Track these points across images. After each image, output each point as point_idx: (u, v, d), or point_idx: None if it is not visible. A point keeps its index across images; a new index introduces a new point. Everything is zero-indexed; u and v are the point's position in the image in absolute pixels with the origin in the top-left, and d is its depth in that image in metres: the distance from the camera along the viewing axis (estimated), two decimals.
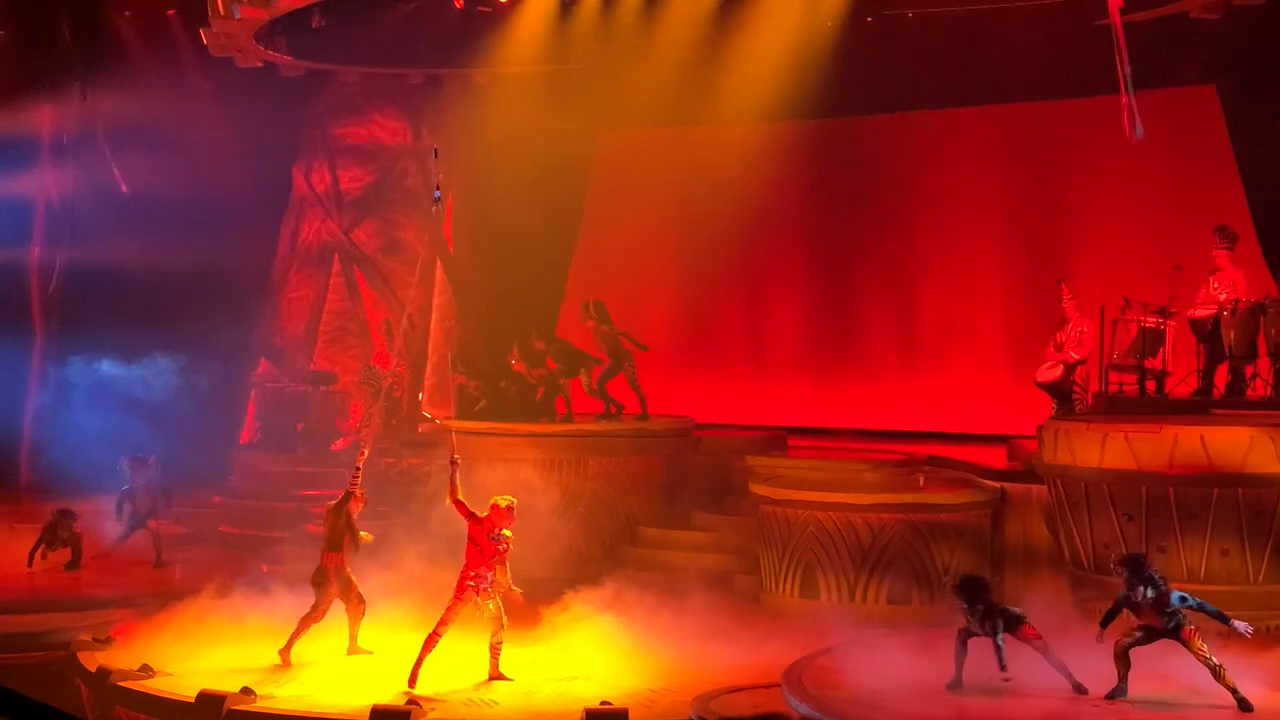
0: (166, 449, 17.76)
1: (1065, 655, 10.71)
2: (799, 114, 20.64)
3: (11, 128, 21.70)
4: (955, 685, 10.76)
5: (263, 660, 12.19)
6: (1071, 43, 18.28)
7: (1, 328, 21.05)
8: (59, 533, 16.65)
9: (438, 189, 14.87)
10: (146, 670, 11.75)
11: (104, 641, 12.76)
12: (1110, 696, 10.39)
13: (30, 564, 16.48)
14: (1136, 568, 10.56)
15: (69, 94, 21.65)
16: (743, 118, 20.78)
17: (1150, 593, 10.34)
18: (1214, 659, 10.18)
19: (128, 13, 21.54)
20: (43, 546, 16.59)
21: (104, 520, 17.10)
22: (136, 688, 11.49)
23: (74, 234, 22.20)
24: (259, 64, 20.53)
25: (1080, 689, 10.53)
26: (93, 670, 11.95)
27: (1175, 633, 10.29)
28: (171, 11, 20.91)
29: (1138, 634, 10.45)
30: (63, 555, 16.67)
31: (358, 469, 12.74)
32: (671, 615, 12.96)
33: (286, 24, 18.81)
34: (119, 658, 12.16)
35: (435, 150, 16.14)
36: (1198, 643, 10.20)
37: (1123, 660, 10.46)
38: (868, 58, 19.49)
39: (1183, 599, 10.40)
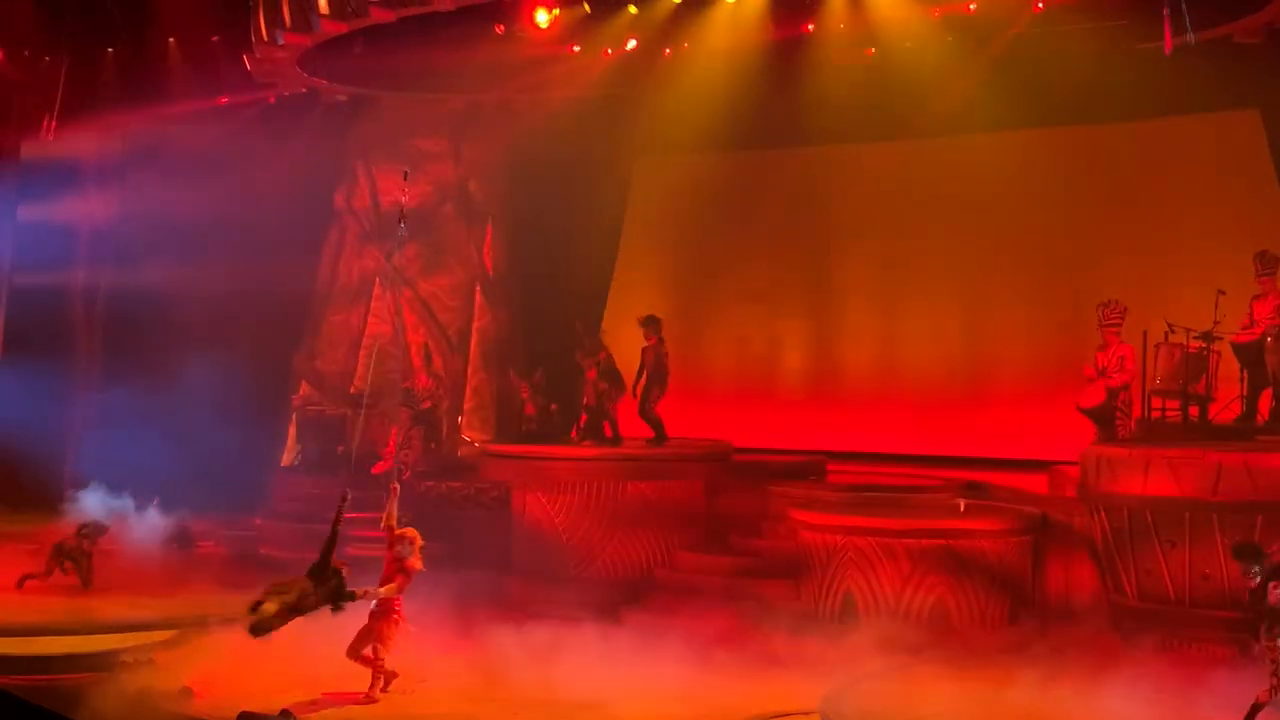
0: (206, 473, 17.97)
1: (1111, 688, 10.55)
2: (838, 139, 20.67)
3: (57, 152, 21.94)
4: None
5: (302, 682, 12.22)
6: (1114, 67, 18.21)
7: (44, 352, 21.24)
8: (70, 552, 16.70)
9: (402, 220, 14.60)
10: (187, 692, 11.81)
11: (145, 663, 12.83)
12: None
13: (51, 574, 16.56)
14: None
15: (114, 119, 21.88)
16: (781, 143, 20.82)
17: None
18: None
19: (172, 39, 21.77)
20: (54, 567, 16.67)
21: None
22: (177, 710, 11.54)
23: (118, 259, 22.40)
24: (302, 89, 20.73)
25: None
26: (134, 692, 12.02)
27: None
28: (216, 38, 21.11)
29: None
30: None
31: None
32: (709, 641, 12.92)
33: (329, 50, 18.96)
34: (160, 679, 12.22)
35: (405, 173, 16.26)
36: None
37: None
38: (906, 83, 19.46)
39: None
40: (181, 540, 18.19)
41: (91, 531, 16.84)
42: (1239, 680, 10.36)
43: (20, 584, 16.43)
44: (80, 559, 16.65)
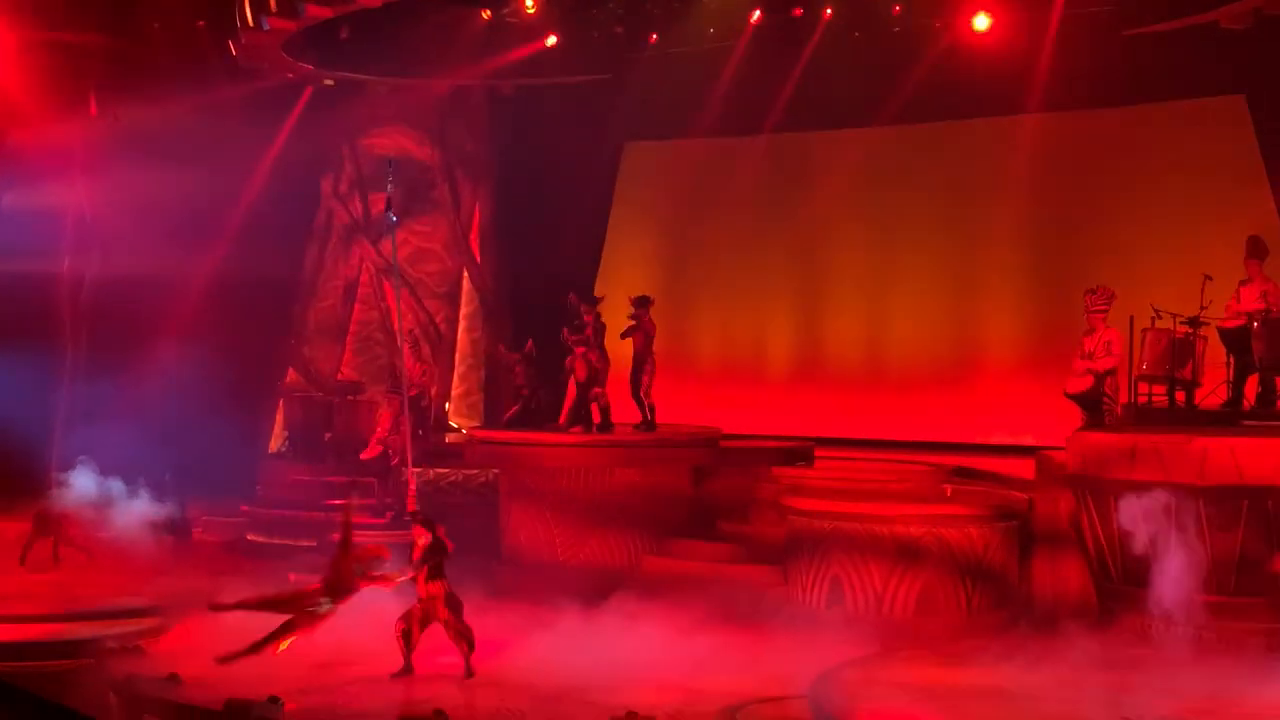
0: (193, 460, 18.01)
1: (1097, 672, 10.56)
2: (824, 124, 20.67)
3: (43, 140, 21.83)
4: None
5: (290, 669, 12.20)
6: (1097, 54, 18.23)
7: (31, 340, 21.14)
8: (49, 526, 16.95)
9: (389, 208, 14.76)
10: (174, 679, 11.79)
11: (132, 650, 12.82)
12: None
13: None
14: None
15: (100, 106, 21.78)
16: (768, 128, 20.80)
17: None
18: None
19: (157, 24, 21.68)
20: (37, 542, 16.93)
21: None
22: (164, 696, 11.53)
23: (104, 246, 22.32)
24: (287, 75, 20.65)
25: None
26: (121, 679, 12.00)
27: None
28: (201, 23, 21.03)
29: None
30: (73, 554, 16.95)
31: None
32: (698, 626, 12.93)
33: (314, 36, 18.90)
34: (147, 666, 12.21)
35: (389, 161, 16.28)
36: None
37: None
38: (893, 68, 19.48)
39: None
40: (177, 530, 18.19)
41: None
42: (1225, 664, 10.38)
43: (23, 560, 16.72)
44: (56, 532, 16.87)
